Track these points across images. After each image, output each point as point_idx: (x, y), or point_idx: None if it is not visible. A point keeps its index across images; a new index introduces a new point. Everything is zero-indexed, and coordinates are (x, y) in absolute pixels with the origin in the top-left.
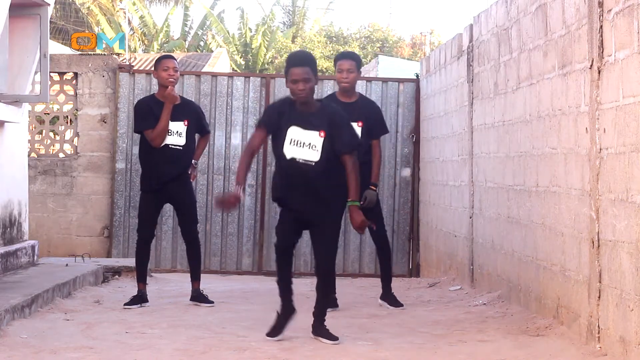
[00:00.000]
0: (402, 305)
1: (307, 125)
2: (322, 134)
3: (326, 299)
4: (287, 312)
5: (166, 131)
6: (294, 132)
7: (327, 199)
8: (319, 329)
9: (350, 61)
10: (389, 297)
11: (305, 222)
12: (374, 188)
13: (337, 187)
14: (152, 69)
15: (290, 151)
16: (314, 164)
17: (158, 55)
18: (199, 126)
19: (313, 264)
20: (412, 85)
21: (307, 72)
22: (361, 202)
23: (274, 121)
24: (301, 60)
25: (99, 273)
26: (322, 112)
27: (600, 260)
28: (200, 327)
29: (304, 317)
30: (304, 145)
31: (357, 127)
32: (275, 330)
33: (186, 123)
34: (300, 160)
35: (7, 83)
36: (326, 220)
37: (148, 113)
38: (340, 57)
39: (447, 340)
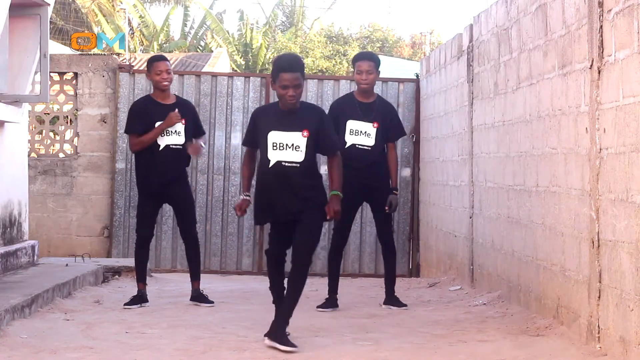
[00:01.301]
0: (405, 305)
1: (287, 127)
2: (305, 133)
3: (297, 294)
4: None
5: (149, 145)
6: (275, 136)
7: (309, 197)
8: (276, 333)
9: (369, 62)
10: (392, 300)
11: (292, 224)
12: (396, 193)
13: (317, 185)
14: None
15: (274, 156)
16: (299, 165)
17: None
18: (194, 127)
19: (312, 265)
20: (412, 85)
21: (298, 77)
22: (386, 208)
23: (256, 136)
24: (291, 65)
25: (99, 273)
26: (304, 111)
27: (600, 260)
28: (200, 327)
29: (304, 317)
30: (287, 147)
31: (373, 128)
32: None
33: (184, 122)
34: (286, 164)
35: (7, 83)
36: (308, 213)
37: (140, 117)
38: (360, 57)
39: (447, 340)
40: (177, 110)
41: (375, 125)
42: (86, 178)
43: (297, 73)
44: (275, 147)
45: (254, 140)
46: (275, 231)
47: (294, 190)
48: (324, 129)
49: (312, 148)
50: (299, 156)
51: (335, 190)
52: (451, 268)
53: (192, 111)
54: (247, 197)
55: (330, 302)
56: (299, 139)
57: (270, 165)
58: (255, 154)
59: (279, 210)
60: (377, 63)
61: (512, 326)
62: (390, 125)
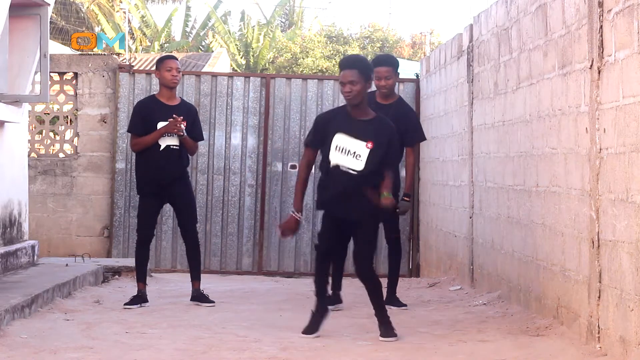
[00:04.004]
0: (405, 305)
1: (354, 133)
2: (370, 144)
3: (377, 299)
4: (322, 311)
5: (149, 145)
6: (340, 139)
7: (365, 207)
8: (386, 329)
9: (387, 67)
10: (392, 300)
11: (347, 228)
12: (408, 199)
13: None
14: (154, 68)
15: (335, 158)
16: (356, 173)
17: (159, 56)
18: (192, 130)
19: (313, 264)
20: (412, 85)
21: (353, 74)
22: (397, 209)
23: (320, 138)
24: (348, 63)
25: (99, 273)
26: (376, 123)
27: (600, 260)
28: (200, 327)
29: (303, 316)
30: (349, 153)
31: None
32: (311, 328)
33: (185, 124)
34: (344, 168)
35: (7, 83)
36: (364, 224)
37: (144, 118)
38: (377, 63)
39: (447, 340)
40: (181, 117)
41: None
42: (86, 178)
43: (352, 70)
44: (337, 150)
45: (322, 140)
46: (327, 230)
47: (349, 196)
48: (391, 146)
49: (375, 160)
50: (358, 165)
51: (387, 193)
52: (451, 268)
53: (193, 115)
54: (299, 218)
55: (332, 300)
56: (363, 148)
57: (330, 166)
58: (314, 159)
59: (335, 206)
60: (395, 67)
61: (512, 326)
62: (408, 129)
